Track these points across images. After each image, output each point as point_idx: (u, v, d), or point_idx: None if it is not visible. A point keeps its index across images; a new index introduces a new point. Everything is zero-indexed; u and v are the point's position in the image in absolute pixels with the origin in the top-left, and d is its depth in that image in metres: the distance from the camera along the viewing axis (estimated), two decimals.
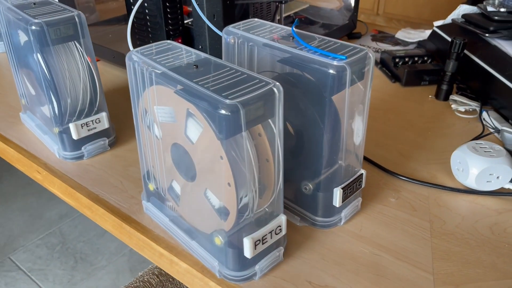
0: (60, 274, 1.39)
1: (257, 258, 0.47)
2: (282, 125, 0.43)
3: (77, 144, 0.67)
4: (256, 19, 0.57)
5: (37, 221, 1.60)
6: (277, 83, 0.41)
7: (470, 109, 0.79)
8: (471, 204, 0.58)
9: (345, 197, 0.53)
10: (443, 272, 0.49)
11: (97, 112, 0.67)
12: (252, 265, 0.47)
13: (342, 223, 0.55)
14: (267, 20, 0.82)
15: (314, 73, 0.47)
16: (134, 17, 0.73)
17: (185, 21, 0.75)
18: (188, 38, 0.74)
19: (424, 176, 0.64)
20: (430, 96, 0.85)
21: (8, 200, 1.73)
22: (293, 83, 0.50)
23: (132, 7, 0.73)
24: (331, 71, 0.45)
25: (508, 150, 0.61)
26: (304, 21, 1.18)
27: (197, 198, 0.48)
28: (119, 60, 0.91)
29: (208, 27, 0.70)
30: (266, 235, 0.46)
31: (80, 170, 0.66)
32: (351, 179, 0.54)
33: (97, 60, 1.00)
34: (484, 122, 0.75)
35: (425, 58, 0.93)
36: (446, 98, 0.83)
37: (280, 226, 0.48)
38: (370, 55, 0.48)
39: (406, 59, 0.92)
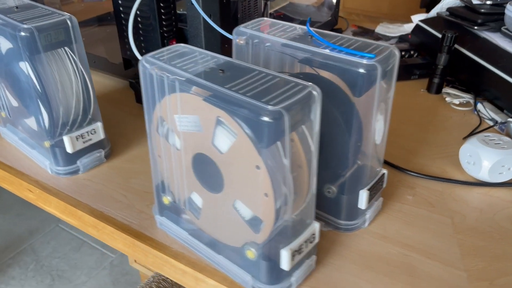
0: None
1: (291, 269, 0.45)
2: (318, 129, 0.41)
3: (72, 158, 0.62)
4: (266, 18, 0.55)
5: (6, 239, 1.50)
6: (315, 86, 0.39)
7: (464, 102, 0.80)
8: (486, 197, 0.59)
9: (370, 199, 0.52)
10: (475, 268, 0.48)
11: (90, 122, 0.63)
12: (287, 277, 0.45)
13: (366, 225, 0.54)
14: (253, 17, 0.80)
15: (342, 72, 0.45)
16: (123, 19, 0.69)
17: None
18: (181, 40, 0.70)
19: (434, 171, 0.63)
20: (422, 90, 0.85)
21: None
22: None
23: (121, 8, 0.68)
24: (361, 70, 0.43)
25: None
26: (283, 18, 1.16)
27: (224, 210, 0.45)
28: (100, 65, 0.86)
29: (205, 28, 0.67)
30: (302, 244, 0.44)
31: (77, 185, 0.61)
32: (375, 180, 0.52)
33: None
34: (479, 114, 0.76)
35: (412, 52, 0.94)
36: (438, 91, 0.84)
37: (314, 234, 0.46)
38: (396, 52, 0.46)
39: (410, 52, 0.93)
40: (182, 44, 0.47)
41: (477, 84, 0.80)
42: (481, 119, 0.75)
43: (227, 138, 0.41)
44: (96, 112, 0.62)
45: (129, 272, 1.38)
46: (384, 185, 0.55)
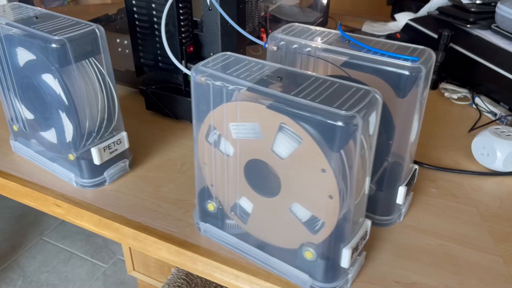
0: None
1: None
2: (376, 131, 0.43)
3: (98, 169, 0.61)
4: (296, 24, 0.56)
5: None
6: (376, 90, 0.41)
7: (462, 96, 0.85)
8: (502, 186, 0.63)
9: (407, 194, 0.54)
10: (508, 253, 0.52)
11: (112, 132, 0.62)
12: (344, 274, 0.47)
13: (401, 219, 0.56)
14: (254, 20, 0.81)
15: (386, 75, 0.47)
16: (138, 26, 0.68)
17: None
18: (196, 46, 0.70)
19: (449, 163, 0.67)
20: None
21: None
22: None
23: (136, 16, 0.68)
24: (407, 72, 0.46)
25: None
26: (272, 19, 1.18)
27: (278, 213, 0.46)
28: None
29: (222, 33, 0.67)
30: (359, 242, 0.46)
31: (106, 197, 0.60)
32: (410, 176, 0.55)
33: None
34: (478, 107, 0.81)
35: None
36: (435, 87, 0.88)
37: (366, 231, 0.48)
38: (433, 54, 0.49)
39: None
40: (228, 53, 0.48)
41: (472, 79, 0.84)
42: (480, 112, 0.80)
43: (289, 144, 0.42)
44: (119, 122, 0.61)
45: (124, 281, 1.35)
46: (415, 180, 0.58)
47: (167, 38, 0.67)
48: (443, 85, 0.87)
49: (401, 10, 1.34)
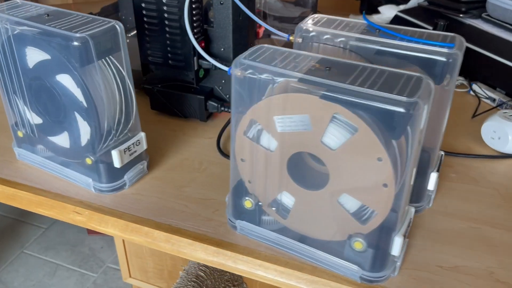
0: None
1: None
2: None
3: (118, 173, 0.58)
4: (320, 15, 0.56)
5: None
6: (427, 76, 0.41)
7: (459, 83, 0.87)
8: None
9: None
10: None
11: (128, 134, 0.59)
12: (393, 262, 0.47)
13: (430, 204, 0.57)
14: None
15: (424, 62, 0.47)
16: (146, 23, 0.65)
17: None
18: (205, 41, 0.68)
19: (462, 148, 0.69)
20: None
21: None
22: None
23: (144, 12, 0.65)
24: (444, 58, 0.46)
25: None
26: (259, 15, 1.17)
27: (324, 205, 0.46)
28: None
29: (233, 28, 0.66)
30: (406, 229, 0.46)
31: (128, 201, 0.57)
32: (439, 162, 0.56)
33: None
34: (476, 94, 0.83)
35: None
36: None
37: (411, 218, 0.48)
38: (463, 40, 0.50)
39: None
40: (264, 45, 0.47)
41: (468, 67, 0.87)
42: (479, 98, 0.83)
43: (341, 134, 0.41)
44: (137, 122, 0.59)
45: None
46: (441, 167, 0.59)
47: (177, 34, 0.64)
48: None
49: (370, 4, 1.36)
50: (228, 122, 0.71)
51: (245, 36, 0.68)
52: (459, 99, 0.83)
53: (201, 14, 0.65)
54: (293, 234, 0.50)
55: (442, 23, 0.85)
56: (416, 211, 0.56)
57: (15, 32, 0.53)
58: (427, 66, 0.47)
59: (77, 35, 0.48)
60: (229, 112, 0.71)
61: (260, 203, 0.50)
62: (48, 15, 0.54)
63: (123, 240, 1.09)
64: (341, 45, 0.51)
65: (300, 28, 0.53)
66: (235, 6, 0.64)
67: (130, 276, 1.15)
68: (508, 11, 0.82)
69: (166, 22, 0.64)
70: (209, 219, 0.55)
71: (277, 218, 0.50)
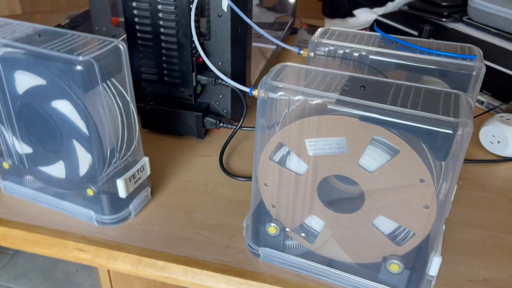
0: None
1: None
2: None
3: (123, 203, 0.54)
4: (332, 28, 0.54)
5: None
6: (461, 92, 0.40)
7: (445, 88, 0.88)
8: None
9: None
10: None
11: (129, 159, 0.55)
12: (427, 283, 0.46)
13: (447, 215, 0.57)
14: None
15: (447, 75, 0.46)
16: (140, 38, 0.61)
17: None
18: None
19: None
20: None
21: None
22: None
23: (137, 26, 0.61)
24: (469, 72, 0.45)
25: None
26: None
27: (357, 228, 0.44)
28: None
29: (232, 42, 0.63)
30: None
31: (135, 233, 0.53)
32: None
33: None
34: None
35: None
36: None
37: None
38: (480, 51, 0.49)
39: None
40: (287, 63, 0.44)
41: None
42: None
43: (380, 156, 0.40)
44: (139, 146, 0.55)
45: None
46: None
47: (173, 50, 0.61)
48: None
49: (333, 6, 1.37)
50: (230, 139, 0.68)
51: (243, 49, 0.65)
52: None
53: (199, 28, 0.61)
54: (319, 258, 0.48)
55: (427, 28, 0.86)
56: None
57: (2, 56, 0.48)
58: (453, 79, 0.46)
59: (80, 58, 0.44)
60: (228, 128, 0.68)
61: (286, 229, 0.48)
62: (39, 35, 0.49)
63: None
64: (359, 59, 0.49)
65: (313, 42, 0.51)
66: (233, 18, 0.61)
67: None
68: (490, 14, 0.84)
69: (162, 37, 0.60)
70: (226, 247, 0.52)
71: (303, 242, 0.48)
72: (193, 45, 0.60)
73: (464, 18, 0.90)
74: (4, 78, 0.49)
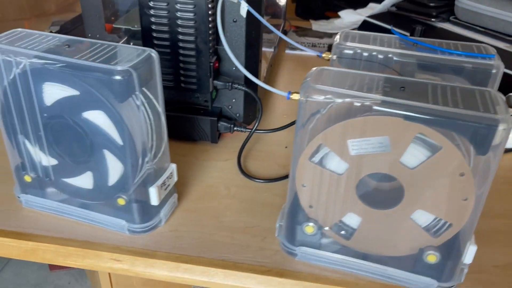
0: None
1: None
2: None
3: (154, 210, 0.54)
4: (351, 31, 0.56)
5: None
6: (491, 89, 0.42)
7: None
8: None
9: None
10: None
11: (154, 166, 0.55)
12: (461, 270, 0.48)
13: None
14: None
15: (469, 73, 0.49)
16: (156, 45, 0.61)
17: None
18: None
19: None
20: None
21: None
22: None
23: (154, 34, 0.61)
24: (494, 70, 0.48)
25: None
26: None
27: (395, 223, 0.46)
28: None
29: (246, 46, 0.64)
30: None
31: (168, 239, 0.53)
32: None
33: None
34: None
35: None
36: None
37: None
38: (495, 50, 0.52)
39: None
40: (324, 67, 0.46)
41: None
42: None
43: (422, 153, 0.42)
44: (166, 153, 0.55)
45: None
46: None
47: (191, 56, 0.61)
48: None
49: (305, 7, 1.40)
50: (246, 142, 0.68)
51: (256, 53, 0.66)
52: None
53: (216, 33, 0.62)
54: (353, 253, 0.50)
55: (420, 28, 0.89)
56: None
57: (30, 67, 0.47)
58: (473, 77, 0.49)
59: (119, 68, 0.44)
60: (242, 131, 0.69)
61: (326, 228, 0.49)
62: (68, 46, 0.48)
63: (109, 273, 1.01)
64: (385, 61, 0.51)
65: (337, 45, 0.53)
66: (248, 24, 0.62)
67: None
68: (478, 14, 0.89)
69: (180, 44, 0.60)
70: (261, 249, 0.53)
71: (339, 239, 0.50)
72: (211, 50, 0.61)
73: (451, 18, 0.94)
74: (32, 90, 0.48)
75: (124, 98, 0.45)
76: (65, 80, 0.46)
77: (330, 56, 0.55)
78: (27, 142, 0.52)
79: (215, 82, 0.64)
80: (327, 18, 1.33)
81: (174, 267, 0.50)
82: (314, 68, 0.46)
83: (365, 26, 1.06)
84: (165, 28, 0.59)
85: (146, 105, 0.49)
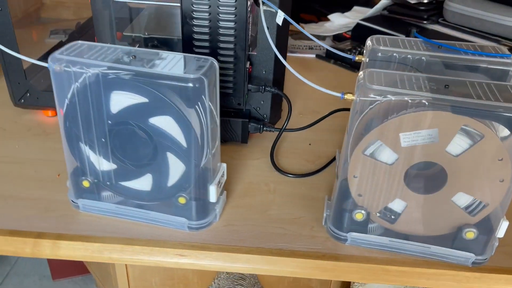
0: None
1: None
2: None
3: (211, 207, 0.58)
4: (381, 36, 0.61)
5: None
6: None
7: None
8: None
9: None
10: None
11: (207, 166, 0.58)
12: (493, 246, 0.54)
13: None
14: None
15: (488, 72, 0.56)
16: (197, 53, 0.65)
17: None
18: None
19: None
20: None
21: None
22: None
23: (195, 43, 0.64)
24: (508, 67, 0.55)
25: None
26: None
27: (437, 205, 0.52)
28: None
29: (278, 50, 0.68)
30: None
31: (226, 234, 0.57)
32: None
33: (54, 115, 0.80)
34: None
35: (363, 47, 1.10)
36: None
37: None
38: (506, 50, 0.60)
39: (353, 50, 1.07)
40: (373, 69, 0.51)
41: None
42: None
43: (465, 142, 0.48)
44: (219, 152, 0.59)
45: None
46: None
47: (229, 63, 0.65)
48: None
49: None
50: (276, 141, 0.73)
51: (284, 57, 0.70)
52: None
53: (249, 40, 0.66)
54: (395, 234, 0.56)
55: (414, 30, 0.97)
56: None
57: (100, 78, 0.50)
58: (493, 75, 0.56)
59: (192, 76, 0.48)
60: (272, 131, 0.73)
61: (376, 213, 0.54)
62: (134, 57, 0.51)
63: (127, 272, 1.03)
64: (417, 63, 0.57)
65: (371, 49, 0.58)
66: (279, 30, 0.67)
67: None
68: (465, 16, 0.97)
69: (220, 51, 0.64)
70: (312, 237, 0.57)
71: (384, 223, 0.55)
72: (246, 56, 0.65)
73: (440, 20, 1.03)
74: (101, 99, 0.51)
75: (194, 103, 0.49)
76: (135, 89, 0.50)
77: (363, 59, 0.60)
78: (88, 149, 0.55)
79: (249, 85, 0.68)
80: (303, 20, 1.39)
81: (237, 259, 0.54)
82: (364, 71, 0.51)
83: (359, 29, 1.13)
84: (206, 37, 0.63)
85: (207, 109, 0.53)
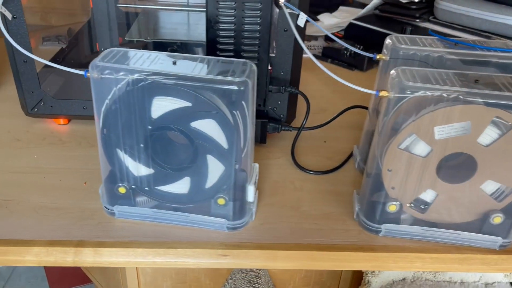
0: None
1: None
2: None
3: (248, 207, 0.59)
4: (399, 35, 0.64)
5: None
6: None
7: None
8: None
9: None
10: None
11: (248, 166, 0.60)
12: None
13: None
14: None
15: (505, 67, 0.60)
16: (219, 56, 0.66)
17: None
18: None
19: None
20: None
21: None
22: None
23: (219, 46, 0.65)
24: None
25: None
26: None
27: (466, 194, 0.55)
28: None
29: (294, 53, 0.70)
30: None
31: (264, 232, 0.58)
32: None
33: (66, 123, 0.79)
34: None
35: (358, 46, 1.13)
36: None
37: None
38: None
39: (347, 50, 1.10)
40: (405, 67, 0.54)
41: None
42: None
43: (496, 133, 0.51)
44: (252, 153, 0.60)
45: None
46: None
47: (256, 65, 0.66)
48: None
49: None
50: (295, 140, 0.75)
51: (300, 58, 0.72)
52: None
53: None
54: (426, 223, 0.59)
55: (409, 29, 1.01)
56: None
57: (144, 84, 0.50)
58: (506, 69, 0.60)
59: (237, 79, 0.49)
60: (290, 131, 0.75)
61: (408, 204, 0.57)
62: (174, 63, 0.52)
63: (138, 277, 1.02)
64: (438, 60, 0.60)
65: (393, 48, 0.61)
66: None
67: None
68: (456, 14, 1.02)
69: (243, 54, 0.65)
70: (346, 230, 0.60)
71: (414, 213, 0.58)
72: (269, 58, 0.67)
73: (431, 18, 1.07)
74: (143, 105, 0.51)
75: (237, 106, 0.50)
76: (177, 93, 0.50)
77: (384, 57, 0.63)
78: (127, 155, 0.55)
79: (270, 86, 0.70)
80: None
81: (277, 256, 0.56)
82: (396, 69, 0.53)
83: (352, 28, 1.16)
84: (231, 40, 0.64)
85: (250, 111, 0.54)
